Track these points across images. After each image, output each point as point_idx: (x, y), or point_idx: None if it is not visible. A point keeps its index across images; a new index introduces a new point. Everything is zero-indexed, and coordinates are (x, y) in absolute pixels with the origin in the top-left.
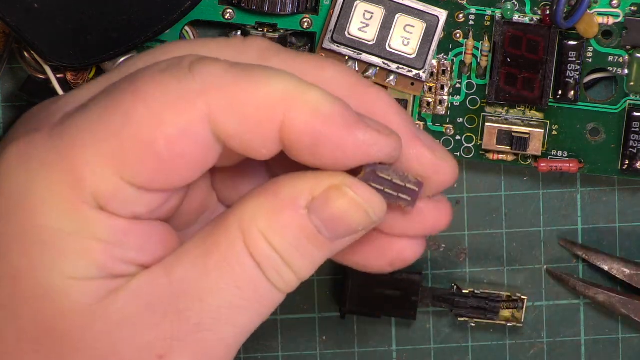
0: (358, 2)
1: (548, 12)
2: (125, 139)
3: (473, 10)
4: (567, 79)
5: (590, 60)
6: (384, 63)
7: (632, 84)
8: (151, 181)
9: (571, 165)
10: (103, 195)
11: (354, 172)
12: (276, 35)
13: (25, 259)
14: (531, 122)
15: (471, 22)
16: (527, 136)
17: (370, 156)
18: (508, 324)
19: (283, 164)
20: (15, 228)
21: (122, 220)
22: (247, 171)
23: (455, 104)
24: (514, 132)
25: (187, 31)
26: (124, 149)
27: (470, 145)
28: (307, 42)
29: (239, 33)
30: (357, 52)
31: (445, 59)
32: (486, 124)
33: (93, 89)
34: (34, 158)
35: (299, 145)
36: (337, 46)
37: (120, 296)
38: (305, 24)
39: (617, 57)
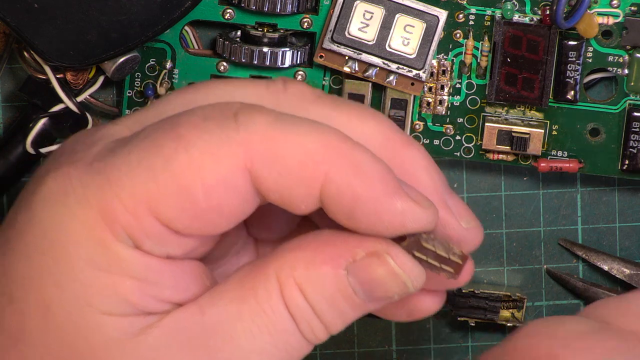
0: (358, 2)
1: (548, 12)
2: (164, 183)
3: (473, 10)
4: (567, 79)
5: (590, 60)
6: (384, 63)
7: (632, 84)
8: (187, 227)
9: (571, 165)
10: (138, 235)
11: (398, 237)
12: (276, 35)
13: (58, 292)
14: (531, 122)
15: (471, 22)
16: (527, 136)
17: (405, 227)
18: (508, 324)
19: (319, 212)
20: (49, 262)
21: (156, 259)
22: (280, 209)
23: (455, 104)
24: (514, 132)
25: (187, 31)
26: (162, 193)
27: (470, 145)
28: (307, 42)
29: (239, 33)
30: (357, 52)
31: (445, 59)
32: (486, 124)
33: (129, 124)
34: (71, 193)
35: (337, 206)
36: (337, 46)
37: (153, 333)
38: (305, 24)
39: (617, 57)
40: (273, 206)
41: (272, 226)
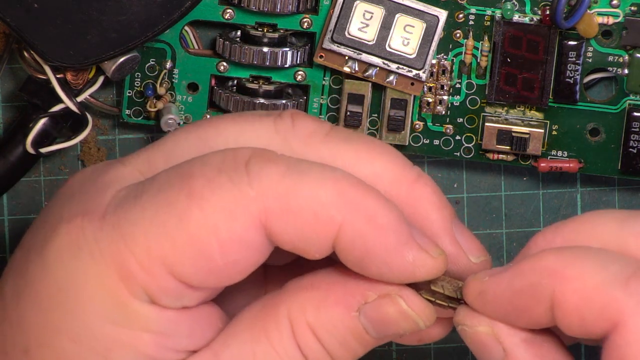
0: (358, 2)
1: (548, 12)
2: (179, 242)
3: (473, 10)
4: (567, 79)
5: (590, 60)
6: (384, 63)
7: (632, 84)
8: (203, 282)
9: (571, 165)
10: (154, 291)
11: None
12: (276, 35)
13: (74, 347)
14: (531, 122)
15: (471, 22)
16: (527, 136)
17: (415, 277)
18: None
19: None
20: (65, 316)
21: (172, 311)
22: None
23: (455, 104)
24: (514, 132)
25: (187, 31)
26: (177, 251)
27: (470, 145)
28: (307, 42)
29: (239, 33)
30: (357, 52)
31: (445, 59)
32: (486, 124)
33: (139, 165)
34: (85, 248)
35: (349, 255)
36: (337, 46)
37: None
38: (305, 24)
39: (617, 57)
40: None
41: (281, 252)
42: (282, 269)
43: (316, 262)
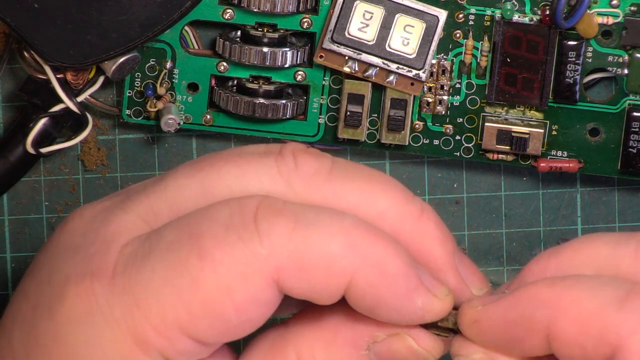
0: (358, 2)
1: (548, 12)
2: (194, 305)
3: (473, 10)
4: (567, 79)
5: (590, 60)
6: (383, 63)
7: (632, 83)
8: (219, 340)
9: (571, 165)
10: (171, 354)
11: None
12: (276, 35)
13: None
14: (531, 122)
15: (471, 22)
16: (526, 136)
17: (424, 320)
18: None
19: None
20: None
21: None
22: None
23: (455, 104)
24: (514, 132)
25: (187, 31)
26: (192, 314)
27: (470, 145)
28: (307, 42)
29: (239, 33)
30: (357, 52)
31: (445, 59)
32: (486, 124)
33: (142, 213)
34: (97, 314)
35: (361, 302)
36: (337, 46)
37: None
38: (305, 24)
39: (616, 57)
40: None
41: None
42: (290, 300)
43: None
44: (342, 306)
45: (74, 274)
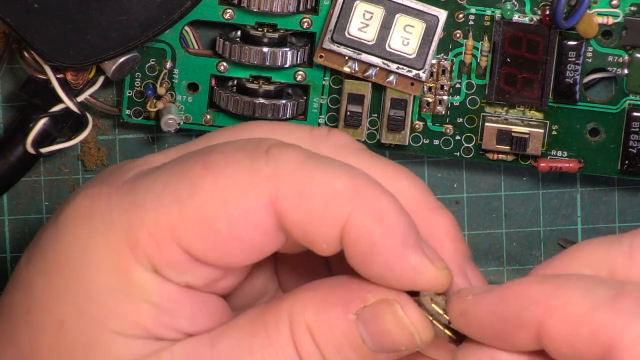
0: (358, 2)
1: (548, 12)
2: (188, 210)
3: (473, 10)
4: (567, 79)
5: (590, 60)
6: (383, 63)
7: (631, 84)
8: (207, 255)
9: (571, 165)
10: (158, 259)
11: (410, 292)
12: (276, 35)
13: (73, 310)
14: (531, 122)
15: (471, 22)
16: (527, 136)
17: (415, 283)
18: None
19: (343, 264)
20: (68, 280)
21: (175, 287)
22: (310, 262)
23: (455, 104)
24: (514, 132)
25: (187, 31)
26: (184, 220)
27: (470, 145)
28: (307, 42)
29: (239, 33)
30: (357, 52)
31: (445, 59)
32: (486, 124)
33: (170, 153)
34: (97, 213)
35: (354, 249)
36: (337, 46)
37: (163, 357)
38: (305, 24)
39: (616, 57)
40: (303, 259)
41: (301, 279)
42: (295, 282)
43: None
44: (341, 276)
45: (88, 186)
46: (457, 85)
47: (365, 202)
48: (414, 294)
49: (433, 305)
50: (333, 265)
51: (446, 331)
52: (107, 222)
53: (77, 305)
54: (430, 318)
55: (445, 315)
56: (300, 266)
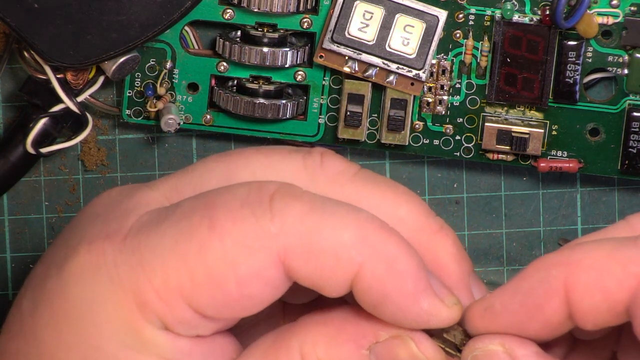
0: (358, 2)
1: (548, 12)
2: (197, 272)
3: (473, 10)
4: (567, 79)
5: (590, 60)
6: (383, 63)
7: (632, 84)
8: (217, 314)
9: (571, 165)
10: (168, 318)
11: None
12: (276, 35)
13: None
14: (531, 122)
15: (471, 22)
16: (526, 136)
17: (429, 325)
18: None
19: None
20: (78, 337)
21: (185, 340)
22: None
23: (455, 104)
24: (514, 132)
25: (187, 31)
26: (194, 280)
27: (470, 145)
28: (307, 42)
29: (239, 33)
30: (357, 52)
31: (445, 59)
32: (486, 124)
33: (164, 190)
34: (103, 270)
35: (366, 297)
36: (337, 46)
37: None
38: (305, 24)
39: (616, 57)
40: None
41: (301, 291)
42: (301, 308)
43: (334, 300)
44: (351, 308)
45: (89, 235)
46: (457, 85)
47: (374, 250)
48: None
49: (445, 335)
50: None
51: (459, 355)
52: (115, 283)
53: None
54: (443, 346)
55: (457, 343)
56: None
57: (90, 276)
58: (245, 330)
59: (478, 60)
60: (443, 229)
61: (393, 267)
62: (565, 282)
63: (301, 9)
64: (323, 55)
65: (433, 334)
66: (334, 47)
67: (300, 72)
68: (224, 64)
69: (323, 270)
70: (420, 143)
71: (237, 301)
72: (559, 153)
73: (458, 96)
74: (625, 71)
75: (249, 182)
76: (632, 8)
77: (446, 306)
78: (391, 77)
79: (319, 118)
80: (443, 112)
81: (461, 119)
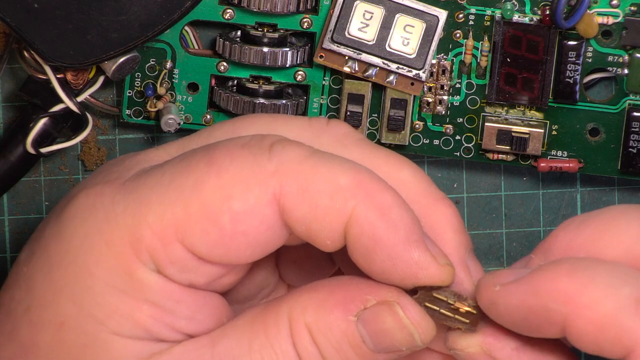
0: (358, 2)
1: (548, 12)
2: (192, 206)
3: (473, 10)
4: (567, 79)
5: (590, 60)
6: (384, 63)
7: (632, 84)
8: (211, 253)
9: (571, 165)
10: (161, 258)
11: (411, 290)
12: (276, 35)
13: (74, 308)
14: (531, 122)
15: (471, 22)
16: (526, 136)
17: (417, 279)
18: None
19: (346, 260)
20: (69, 276)
21: (177, 286)
22: (312, 256)
23: (455, 104)
24: (514, 132)
25: (187, 31)
26: (188, 216)
27: (470, 145)
28: (307, 42)
29: (238, 33)
30: (357, 52)
31: (445, 59)
32: (486, 124)
33: (171, 150)
34: (100, 210)
35: (357, 244)
36: (337, 46)
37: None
38: (305, 24)
39: (617, 57)
40: (305, 252)
41: (303, 272)
42: (297, 274)
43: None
44: (341, 277)
45: (89, 183)
46: (457, 85)
47: (369, 197)
48: (412, 293)
49: (435, 295)
50: (335, 258)
51: (457, 317)
52: (111, 220)
53: (77, 302)
54: (436, 308)
55: (450, 302)
56: (302, 258)
57: (86, 216)
58: (245, 307)
59: (478, 60)
60: (445, 199)
61: (386, 214)
62: (565, 321)
63: (301, 9)
64: (323, 55)
65: (422, 300)
66: (334, 47)
67: (300, 72)
68: (224, 64)
69: (317, 212)
70: (420, 143)
71: (231, 239)
72: (559, 153)
73: (458, 96)
74: (625, 71)
75: (252, 135)
76: (632, 8)
77: (437, 263)
78: (391, 77)
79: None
80: (443, 112)
81: (461, 119)
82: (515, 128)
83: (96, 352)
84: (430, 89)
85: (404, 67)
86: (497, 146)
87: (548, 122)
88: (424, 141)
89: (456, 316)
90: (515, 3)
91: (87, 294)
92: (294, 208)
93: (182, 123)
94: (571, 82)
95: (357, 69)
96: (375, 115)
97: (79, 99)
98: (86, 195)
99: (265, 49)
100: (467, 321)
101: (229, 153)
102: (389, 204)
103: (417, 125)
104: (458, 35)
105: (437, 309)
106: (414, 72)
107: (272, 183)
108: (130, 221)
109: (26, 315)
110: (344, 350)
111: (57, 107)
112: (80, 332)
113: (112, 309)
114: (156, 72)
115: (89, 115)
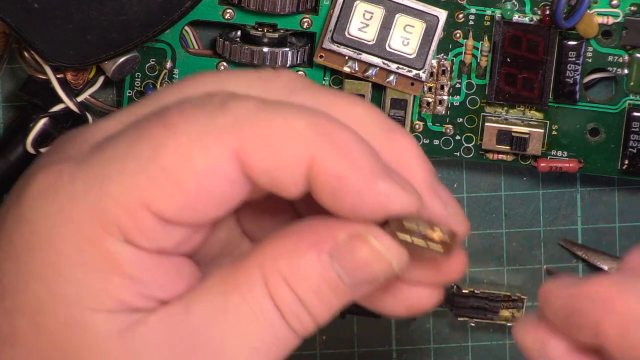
0: (358, 2)
1: (548, 12)
2: (153, 172)
3: (473, 10)
4: (567, 79)
5: (590, 60)
6: (383, 63)
7: (632, 84)
8: (178, 216)
9: (571, 165)
10: (129, 228)
11: (382, 223)
12: (276, 35)
13: (47, 291)
14: (531, 122)
15: (471, 22)
16: (526, 136)
17: (388, 209)
18: (508, 324)
19: (309, 206)
20: (37, 261)
21: (146, 254)
22: (273, 207)
23: (455, 104)
24: (514, 132)
25: (187, 31)
26: (151, 182)
27: (470, 145)
28: (307, 42)
29: (239, 33)
30: (357, 52)
31: (445, 59)
32: (486, 124)
33: (122, 119)
34: (61, 189)
35: (322, 186)
36: (337, 46)
37: (139, 330)
38: (305, 24)
39: (617, 57)
40: (266, 204)
41: (265, 224)
42: (260, 227)
43: None
44: (307, 220)
45: (46, 162)
46: (457, 85)
47: (327, 138)
48: (383, 226)
49: (406, 225)
50: (298, 206)
51: (430, 245)
52: (73, 198)
53: (49, 285)
54: (408, 238)
55: (422, 230)
56: (264, 210)
57: (47, 196)
58: (211, 267)
59: (478, 60)
60: (402, 130)
61: (346, 150)
62: (595, 324)
63: (301, 9)
64: (323, 55)
65: (394, 230)
66: (334, 47)
67: (300, 72)
68: (224, 64)
69: (278, 161)
70: (420, 143)
71: (197, 198)
72: (559, 153)
73: (458, 96)
74: (625, 71)
75: (203, 94)
76: (632, 8)
77: (405, 191)
78: (391, 77)
79: None
80: (443, 112)
81: (461, 119)
82: (515, 128)
83: (75, 331)
84: (430, 89)
85: (404, 67)
86: (497, 146)
87: (548, 122)
88: (424, 141)
89: (429, 244)
90: (515, 3)
91: (57, 275)
92: (255, 160)
93: None
94: (571, 82)
95: (357, 69)
96: None
97: (79, 99)
98: (44, 176)
99: (265, 49)
100: (440, 249)
101: (183, 115)
102: (348, 141)
103: (417, 125)
104: (458, 35)
105: (410, 238)
106: (414, 72)
107: (230, 139)
108: (92, 196)
109: (1, 306)
110: (323, 292)
111: (57, 107)
112: (57, 314)
113: (84, 286)
114: (156, 72)
115: (89, 115)
